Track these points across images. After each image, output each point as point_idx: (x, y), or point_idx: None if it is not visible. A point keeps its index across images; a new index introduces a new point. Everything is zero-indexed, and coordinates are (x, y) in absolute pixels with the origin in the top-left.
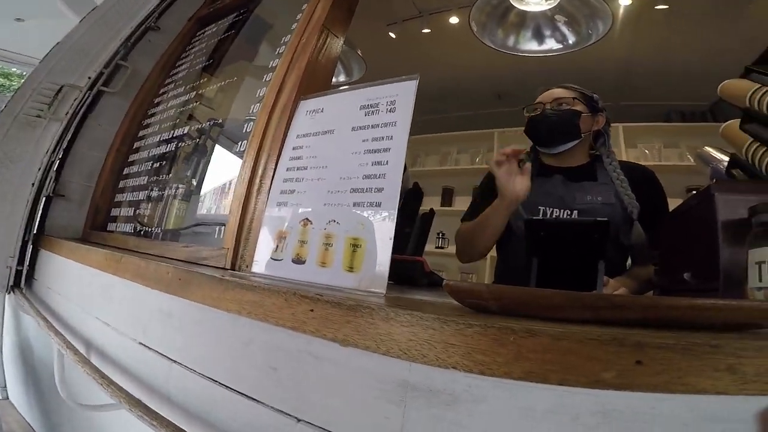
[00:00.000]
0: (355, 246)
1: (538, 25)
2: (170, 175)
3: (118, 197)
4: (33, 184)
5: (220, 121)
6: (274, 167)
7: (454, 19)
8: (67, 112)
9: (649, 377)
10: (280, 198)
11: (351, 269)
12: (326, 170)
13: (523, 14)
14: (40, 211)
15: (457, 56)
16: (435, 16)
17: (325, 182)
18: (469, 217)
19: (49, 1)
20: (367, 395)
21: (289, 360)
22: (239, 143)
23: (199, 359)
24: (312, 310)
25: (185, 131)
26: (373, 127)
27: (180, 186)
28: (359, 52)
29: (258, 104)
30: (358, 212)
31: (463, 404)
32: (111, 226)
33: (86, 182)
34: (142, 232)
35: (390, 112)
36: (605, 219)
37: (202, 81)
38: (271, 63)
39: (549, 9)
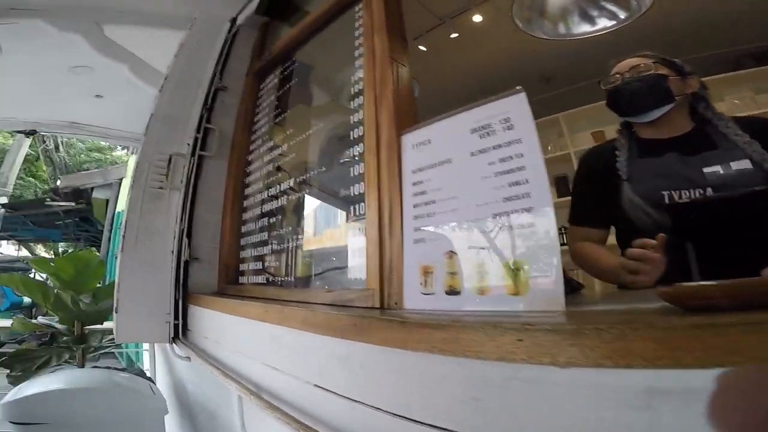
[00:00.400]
0: (516, 270)
1: (583, 8)
2: (286, 226)
3: (242, 254)
4: (172, 252)
5: (318, 168)
6: (399, 206)
7: (477, 17)
8: (182, 180)
9: None
10: (415, 235)
11: (517, 293)
12: (457, 200)
13: (561, 1)
14: (182, 274)
15: (491, 51)
16: (457, 19)
17: (460, 212)
18: (581, 221)
19: (122, 77)
20: (602, 406)
21: (494, 389)
22: (350, 187)
23: (385, 397)
24: (521, 340)
25: (288, 184)
26: (495, 148)
27: (298, 235)
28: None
29: (357, 146)
30: (509, 235)
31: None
32: (242, 279)
33: (211, 243)
34: (277, 282)
35: (508, 129)
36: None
37: (285, 132)
38: (353, 103)
39: None
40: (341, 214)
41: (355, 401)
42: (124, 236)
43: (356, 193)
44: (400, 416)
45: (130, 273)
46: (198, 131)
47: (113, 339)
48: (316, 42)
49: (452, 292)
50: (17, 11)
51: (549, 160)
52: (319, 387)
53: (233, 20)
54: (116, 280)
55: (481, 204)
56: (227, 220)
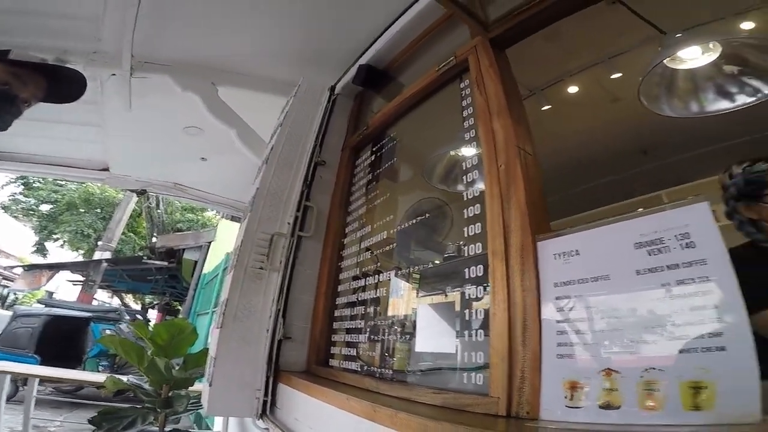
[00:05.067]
0: (696, 389)
1: (720, 84)
2: (382, 314)
3: (334, 337)
4: (267, 330)
5: (420, 258)
6: (537, 318)
7: (573, 89)
8: (281, 261)
9: None
10: (559, 350)
11: (697, 408)
12: (619, 321)
13: (694, 78)
14: (275, 353)
15: (585, 124)
16: (548, 90)
17: (621, 332)
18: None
19: (227, 140)
20: None
21: None
22: (464, 287)
23: None
24: None
25: (386, 272)
26: (671, 268)
27: (396, 326)
28: None
29: (474, 246)
30: (691, 358)
31: None
32: (332, 362)
33: (304, 324)
34: (374, 373)
35: (688, 248)
36: None
37: (383, 215)
38: (466, 194)
39: (712, 62)
40: (446, 312)
41: None
42: (224, 313)
43: (471, 294)
44: None
45: (226, 348)
46: (298, 209)
47: (195, 403)
48: (415, 117)
49: (608, 407)
50: (151, 65)
51: None
52: None
53: (332, 88)
54: (212, 354)
55: (649, 327)
56: (320, 301)
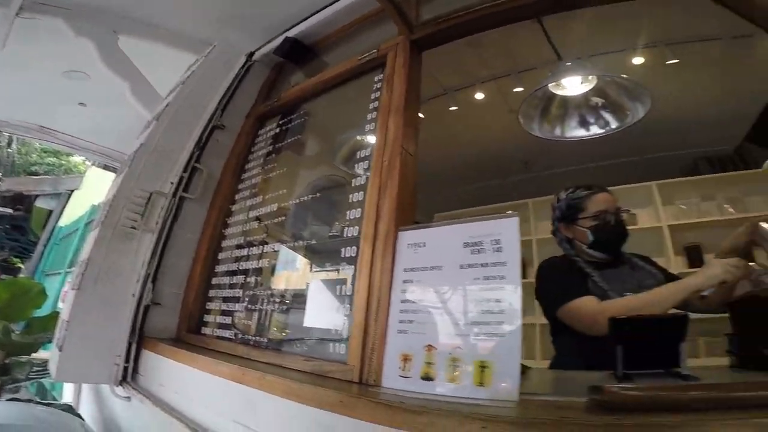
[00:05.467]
0: (483, 367)
1: (583, 115)
2: (262, 284)
3: (210, 305)
4: (134, 295)
5: (304, 233)
6: (388, 298)
7: (479, 95)
8: (157, 222)
9: None
10: (400, 326)
11: (482, 384)
12: (443, 304)
13: (566, 105)
14: (140, 318)
15: (483, 129)
16: (459, 92)
17: (443, 315)
18: (580, 294)
19: (117, 92)
20: None
21: None
22: (338, 264)
23: None
24: (485, 428)
25: (271, 241)
26: (483, 266)
27: (275, 296)
28: None
29: (352, 228)
30: (483, 340)
31: None
32: (205, 330)
33: (177, 290)
34: (249, 341)
35: (497, 251)
36: (684, 314)
37: (277, 186)
38: (355, 181)
39: (586, 93)
40: (324, 286)
41: None
42: (83, 274)
43: (344, 272)
44: None
45: (82, 312)
46: (185, 170)
47: (40, 371)
48: (328, 98)
49: (427, 378)
50: (46, 6)
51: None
52: None
53: (250, 54)
54: (65, 318)
55: (462, 312)
56: (198, 268)
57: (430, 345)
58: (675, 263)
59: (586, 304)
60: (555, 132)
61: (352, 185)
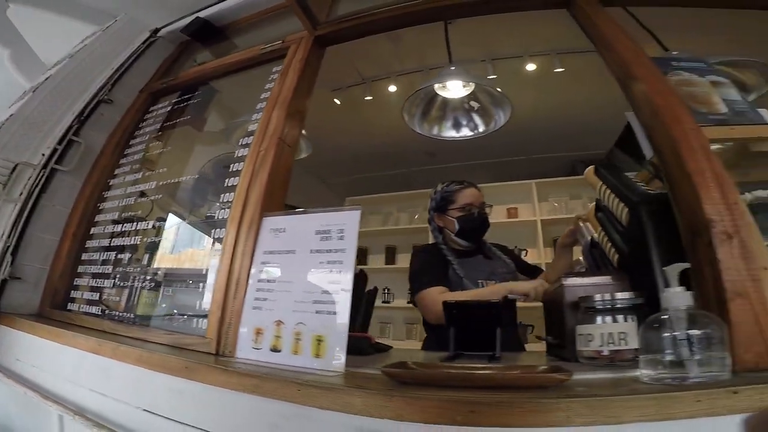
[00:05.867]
0: (319, 341)
1: (457, 118)
2: (133, 261)
3: (78, 281)
4: None
5: (177, 211)
6: (246, 277)
7: (392, 88)
8: (21, 193)
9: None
10: (255, 303)
11: (317, 356)
12: (292, 284)
13: (445, 107)
14: None
15: (394, 120)
16: (376, 83)
17: (291, 294)
18: (434, 283)
19: None
20: None
21: (286, 420)
22: (206, 245)
23: (210, 421)
24: (299, 390)
25: (146, 222)
26: (328, 251)
27: (144, 274)
28: (304, 132)
29: (224, 210)
30: (320, 317)
31: None
32: (71, 306)
33: (41, 265)
34: (115, 316)
35: (340, 239)
36: (497, 301)
37: (158, 165)
38: (233, 166)
39: (463, 97)
40: (194, 265)
41: (187, 425)
42: None
43: (213, 252)
44: None
45: None
46: (60, 142)
47: None
48: (228, 82)
49: (275, 350)
50: None
51: (413, 230)
52: (148, 411)
53: (155, 31)
54: None
55: (307, 291)
56: (67, 242)
57: (279, 321)
58: (545, 254)
59: (431, 295)
60: (432, 131)
61: (230, 170)
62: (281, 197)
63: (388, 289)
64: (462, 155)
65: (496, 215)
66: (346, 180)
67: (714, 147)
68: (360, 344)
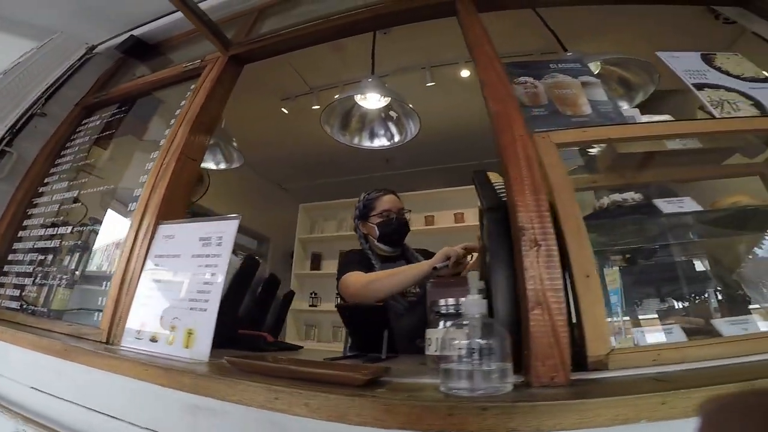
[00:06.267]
0: (189, 333)
1: (374, 129)
2: (56, 263)
3: (3, 279)
4: None
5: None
6: (138, 278)
7: (338, 96)
8: None
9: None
10: (143, 300)
11: (187, 347)
12: (173, 285)
13: (363, 118)
14: None
15: None
16: (323, 92)
17: (172, 293)
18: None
19: None
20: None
21: (133, 393)
22: (112, 252)
23: (85, 397)
24: (146, 370)
25: (69, 226)
26: (206, 256)
27: (63, 274)
28: (235, 143)
29: (129, 217)
30: (193, 313)
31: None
32: None
33: None
34: (29, 310)
35: (218, 245)
36: (381, 305)
37: (84, 176)
38: (141, 178)
39: (380, 108)
40: (101, 267)
41: (69, 401)
42: None
43: (118, 256)
44: (100, 412)
45: None
46: None
47: None
48: (153, 98)
49: (154, 341)
50: None
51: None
52: (35, 389)
53: (92, 48)
54: None
55: (185, 291)
56: None
57: (160, 316)
58: None
59: (351, 276)
60: (353, 141)
61: (139, 181)
62: (182, 205)
63: (315, 293)
64: (416, 161)
65: (445, 220)
66: (305, 186)
67: (595, 150)
68: (256, 342)
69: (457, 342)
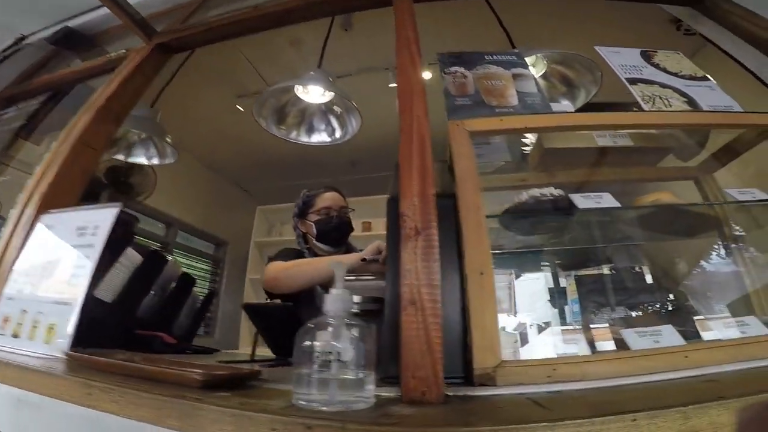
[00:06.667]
0: (51, 328)
1: (312, 124)
2: None
3: None
4: None
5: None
6: (9, 270)
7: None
8: None
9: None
10: (9, 293)
11: (47, 342)
12: (43, 277)
13: (303, 112)
14: None
15: None
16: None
17: (40, 286)
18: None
19: None
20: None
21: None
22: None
23: None
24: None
25: None
26: (81, 247)
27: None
28: (169, 139)
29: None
30: (57, 308)
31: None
32: None
33: None
34: None
35: (93, 235)
36: (290, 303)
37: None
38: (35, 168)
39: (321, 103)
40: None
41: None
42: None
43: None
44: None
45: None
46: None
47: None
48: (85, 89)
49: (15, 336)
50: None
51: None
52: None
53: (21, 38)
54: None
55: (53, 284)
56: None
57: (25, 310)
58: None
59: (272, 265)
60: (291, 135)
61: (33, 172)
62: (74, 195)
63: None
64: (383, 165)
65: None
66: (266, 187)
67: (528, 148)
68: (151, 342)
69: (308, 344)
